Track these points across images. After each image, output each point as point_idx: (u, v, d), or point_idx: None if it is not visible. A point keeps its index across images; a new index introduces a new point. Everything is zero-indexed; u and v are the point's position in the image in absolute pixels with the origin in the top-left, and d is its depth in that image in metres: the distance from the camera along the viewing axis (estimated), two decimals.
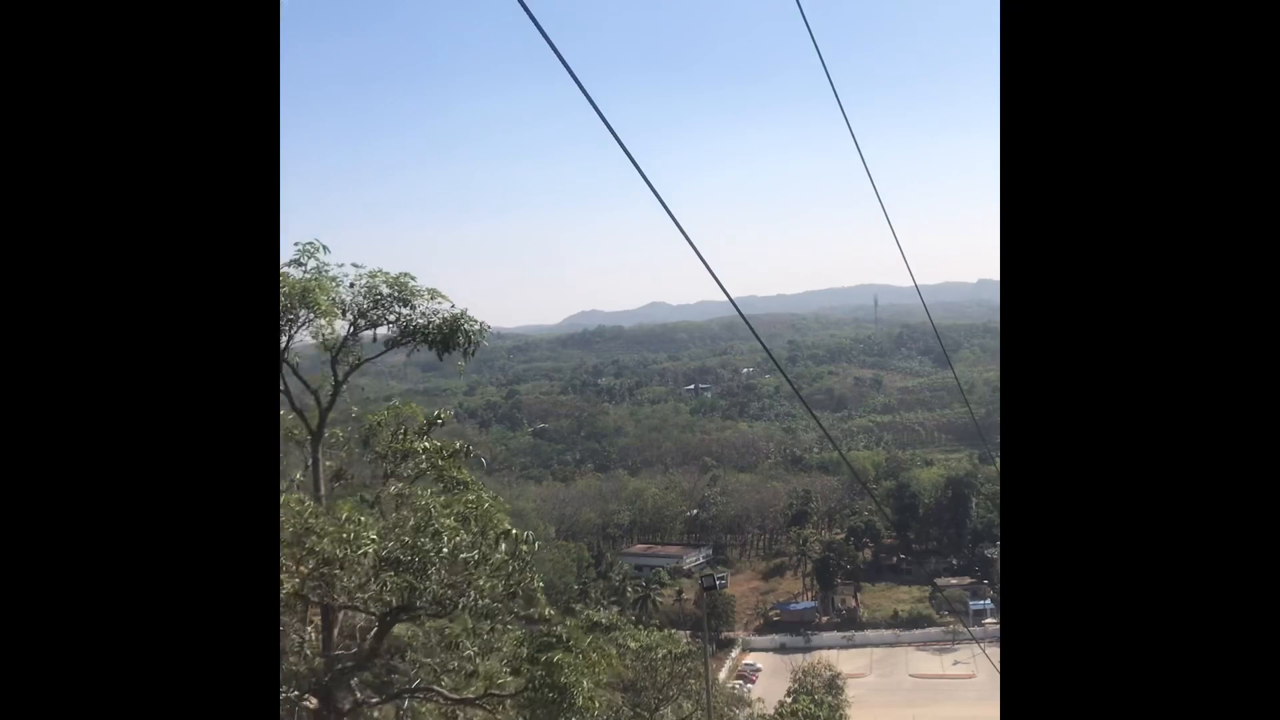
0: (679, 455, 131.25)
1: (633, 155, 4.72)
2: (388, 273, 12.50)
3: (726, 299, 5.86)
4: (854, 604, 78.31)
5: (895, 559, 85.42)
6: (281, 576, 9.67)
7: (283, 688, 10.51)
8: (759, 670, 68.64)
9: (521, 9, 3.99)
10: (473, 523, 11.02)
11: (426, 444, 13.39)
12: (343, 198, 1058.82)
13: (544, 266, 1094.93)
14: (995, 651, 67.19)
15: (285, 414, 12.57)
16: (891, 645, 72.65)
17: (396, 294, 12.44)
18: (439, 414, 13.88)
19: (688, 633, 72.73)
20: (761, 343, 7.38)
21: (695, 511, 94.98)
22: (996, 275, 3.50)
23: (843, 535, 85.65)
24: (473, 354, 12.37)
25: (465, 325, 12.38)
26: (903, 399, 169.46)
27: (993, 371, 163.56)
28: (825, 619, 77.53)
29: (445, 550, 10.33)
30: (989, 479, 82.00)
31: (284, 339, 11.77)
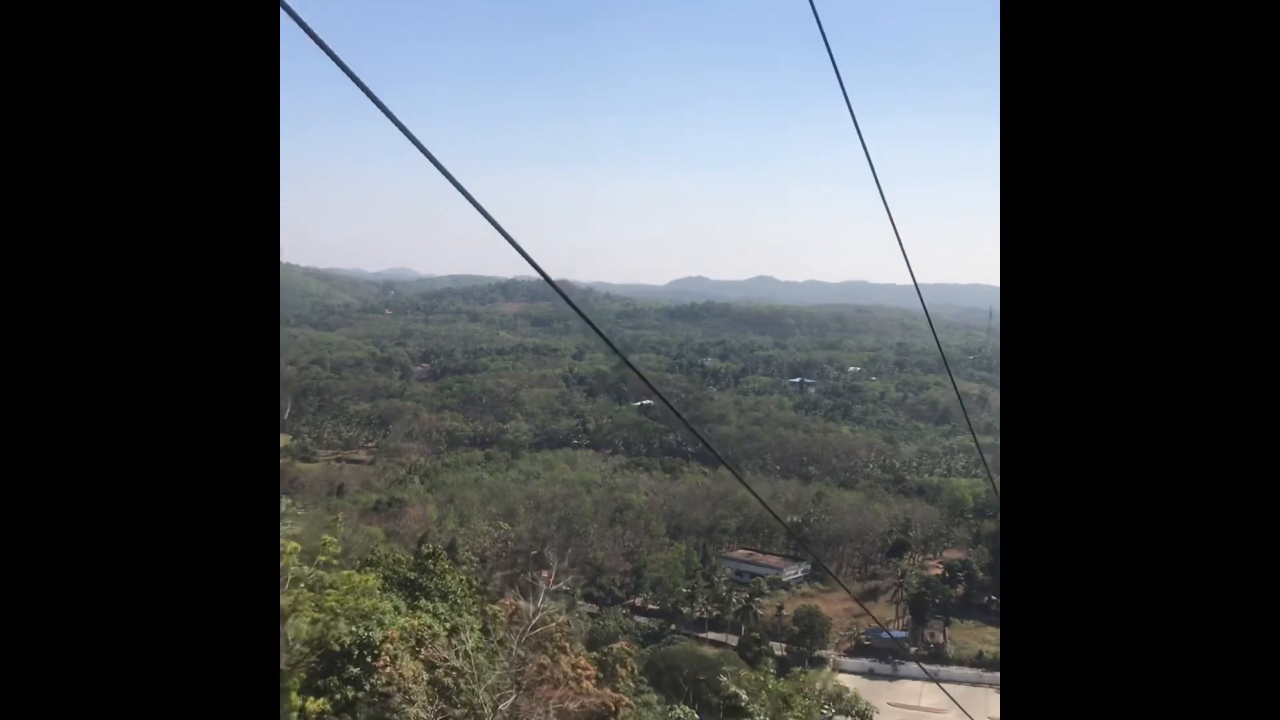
0: (779, 452, 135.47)
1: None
2: None
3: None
4: (942, 639, 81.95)
5: (986, 599, 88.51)
6: None
7: None
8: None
9: None
10: None
11: None
12: (478, 143, 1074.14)
13: (654, 226, 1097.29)
14: None
15: None
16: (974, 685, 76.11)
17: None
18: None
19: (783, 644, 77.76)
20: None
21: (798, 520, 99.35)
22: None
23: (939, 570, 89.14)
24: None
25: None
26: None
27: None
28: (914, 650, 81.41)
29: None
30: None
31: None
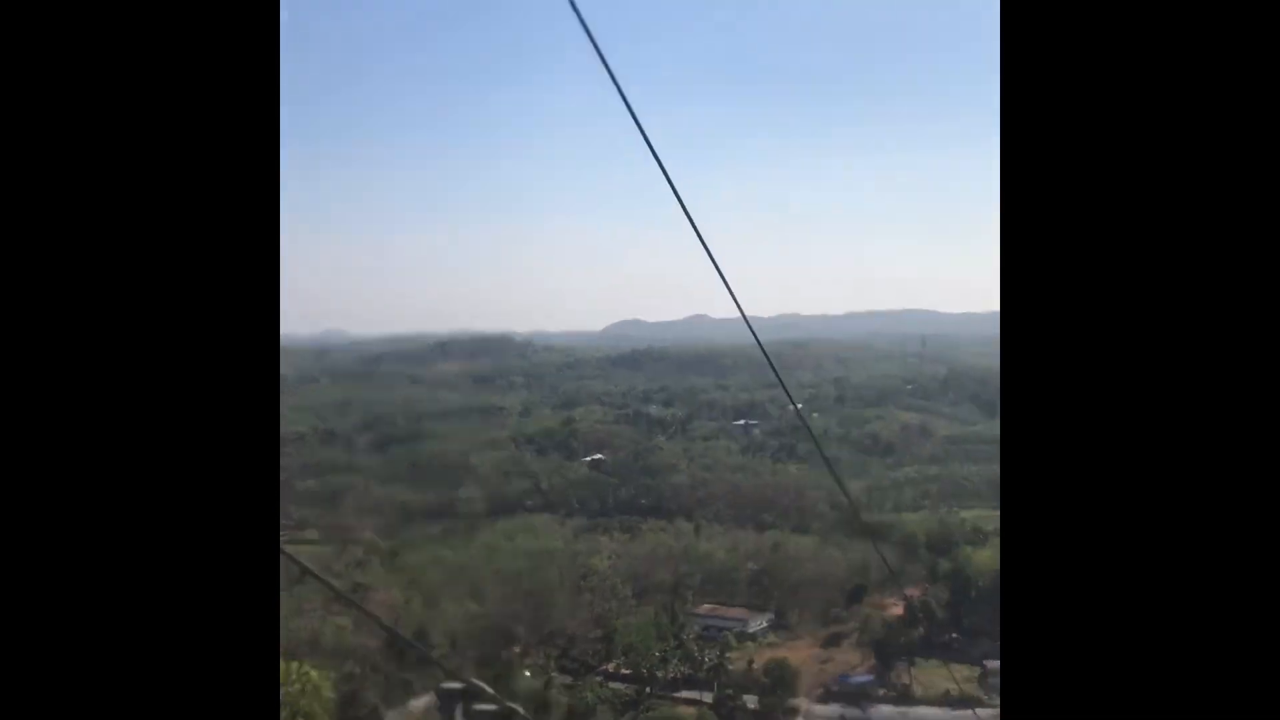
0: (731, 498, 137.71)
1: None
2: None
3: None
4: (908, 680, 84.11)
5: (948, 636, 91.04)
6: None
7: None
8: None
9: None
10: None
11: None
12: (383, 189, 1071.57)
13: (586, 270, 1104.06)
14: None
15: None
16: None
17: None
18: None
19: (756, 697, 79.15)
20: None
21: (757, 568, 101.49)
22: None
23: (900, 610, 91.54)
24: None
25: None
26: (949, 450, 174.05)
27: None
28: (882, 693, 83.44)
29: None
30: None
31: None
